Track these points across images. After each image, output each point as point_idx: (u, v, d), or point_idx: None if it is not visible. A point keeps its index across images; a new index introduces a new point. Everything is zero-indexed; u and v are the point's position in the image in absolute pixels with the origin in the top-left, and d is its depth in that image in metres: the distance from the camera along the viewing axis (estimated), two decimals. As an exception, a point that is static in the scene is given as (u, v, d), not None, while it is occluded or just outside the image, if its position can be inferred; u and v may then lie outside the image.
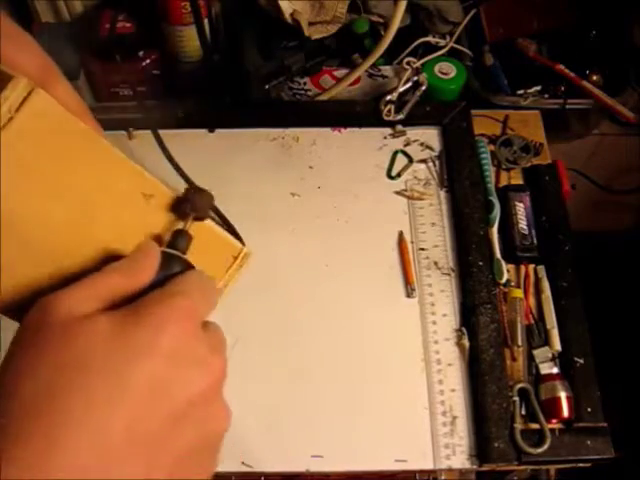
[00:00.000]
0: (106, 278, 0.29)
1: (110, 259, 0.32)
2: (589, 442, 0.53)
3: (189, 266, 0.33)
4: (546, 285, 0.60)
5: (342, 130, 0.72)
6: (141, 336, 0.27)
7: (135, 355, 0.26)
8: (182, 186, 0.64)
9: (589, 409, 0.54)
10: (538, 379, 0.56)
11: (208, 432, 0.30)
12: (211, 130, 0.71)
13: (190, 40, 0.72)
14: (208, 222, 0.37)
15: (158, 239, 0.35)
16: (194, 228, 0.36)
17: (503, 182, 0.68)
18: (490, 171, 0.67)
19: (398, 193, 0.67)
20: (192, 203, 0.35)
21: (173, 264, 0.33)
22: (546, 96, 0.77)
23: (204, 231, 0.37)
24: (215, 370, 0.31)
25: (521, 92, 0.76)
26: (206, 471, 0.30)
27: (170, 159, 0.65)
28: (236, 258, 0.39)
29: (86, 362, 0.25)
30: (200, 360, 0.29)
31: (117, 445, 0.24)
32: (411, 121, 0.71)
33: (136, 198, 0.34)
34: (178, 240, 0.34)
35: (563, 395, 0.54)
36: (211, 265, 0.38)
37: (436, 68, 0.74)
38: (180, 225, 0.35)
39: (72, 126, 0.30)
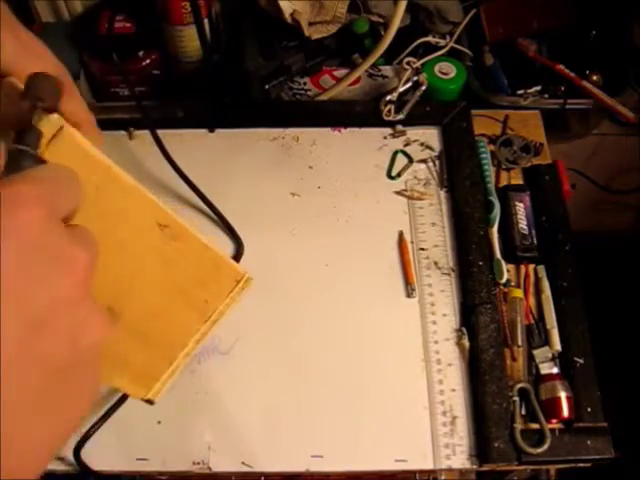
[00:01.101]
0: None
1: None
2: (589, 442, 0.53)
3: (41, 162, 0.30)
4: (546, 285, 0.60)
5: (342, 130, 0.72)
6: None
7: None
8: (182, 187, 0.65)
9: (589, 409, 0.54)
10: (538, 379, 0.56)
11: (78, 343, 0.25)
12: (211, 130, 0.71)
13: (190, 40, 0.72)
14: (214, 246, 0.38)
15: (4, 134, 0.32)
16: (197, 251, 0.37)
17: (503, 182, 0.68)
18: (490, 171, 0.67)
19: (398, 193, 0.67)
20: (36, 91, 0.32)
21: (22, 160, 0.30)
22: (546, 96, 0.77)
23: (210, 255, 0.38)
24: (77, 267, 0.25)
25: (521, 92, 0.76)
26: (85, 391, 0.26)
27: (169, 159, 0.65)
28: (238, 282, 0.40)
29: None
30: (56, 255, 0.24)
31: None
32: (411, 121, 0.71)
33: None
34: (25, 135, 0.31)
35: (563, 395, 0.54)
36: (214, 288, 0.38)
37: (436, 68, 0.74)
38: (31, 120, 0.32)
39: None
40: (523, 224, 0.63)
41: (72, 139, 0.29)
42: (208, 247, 0.37)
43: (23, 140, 0.30)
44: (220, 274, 0.39)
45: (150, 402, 0.36)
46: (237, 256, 0.62)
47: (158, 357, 0.36)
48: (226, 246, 0.63)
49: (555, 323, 0.58)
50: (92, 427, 0.53)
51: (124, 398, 0.54)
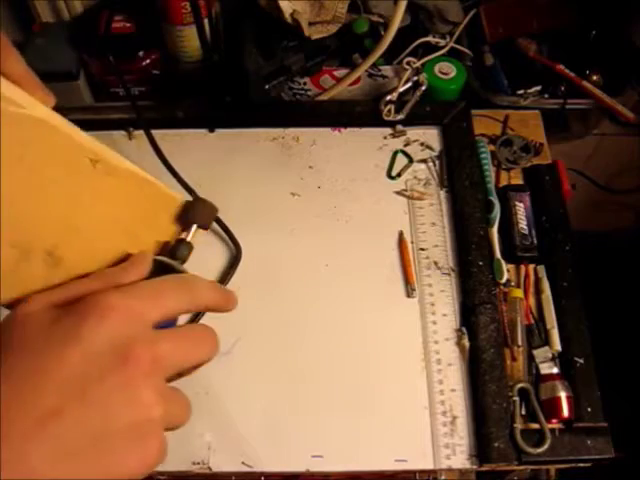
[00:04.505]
0: (85, 285, 0.31)
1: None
2: (589, 442, 0.53)
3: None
4: (546, 285, 0.60)
5: (342, 130, 0.72)
6: (64, 325, 0.28)
7: (57, 342, 0.27)
8: (181, 187, 0.65)
9: (589, 409, 0.54)
10: (538, 379, 0.56)
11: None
12: (211, 130, 0.71)
13: (190, 40, 0.72)
14: (155, 181, 0.37)
15: (165, 247, 0.36)
16: (136, 187, 0.36)
17: (503, 182, 0.68)
18: (490, 171, 0.67)
19: (398, 193, 0.67)
20: (195, 213, 0.36)
21: (167, 272, 0.34)
22: (546, 96, 0.77)
23: (151, 191, 0.37)
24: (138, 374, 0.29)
25: (521, 92, 0.76)
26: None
27: (164, 160, 0.65)
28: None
29: (21, 346, 0.28)
30: (120, 358, 0.28)
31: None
32: (411, 121, 0.71)
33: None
34: (178, 249, 0.35)
35: (563, 395, 0.54)
36: (160, 225, 0.38)
37: (436, 68, 0.74)
38: (183, 235, 0.37)
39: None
40: (523, 224, 0.63)
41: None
42: (148, 181, 0.36)
43: (175, 254, 0.35)
44: (165, 210, 0.38)
45: None
46: (235, 260, 0.61)
47: None
48: (223, 249, 0.63)
49: (555, 323, 0.58)
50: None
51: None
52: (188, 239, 0.37)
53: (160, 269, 0.34)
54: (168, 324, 0.32)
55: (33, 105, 0.30)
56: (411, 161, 0.69)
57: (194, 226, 0.37)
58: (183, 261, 0.36)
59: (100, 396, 0.27)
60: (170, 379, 0.31)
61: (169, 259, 0.35)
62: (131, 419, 0.28)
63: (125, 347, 0.28)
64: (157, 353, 0.29)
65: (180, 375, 0.33)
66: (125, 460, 0.27)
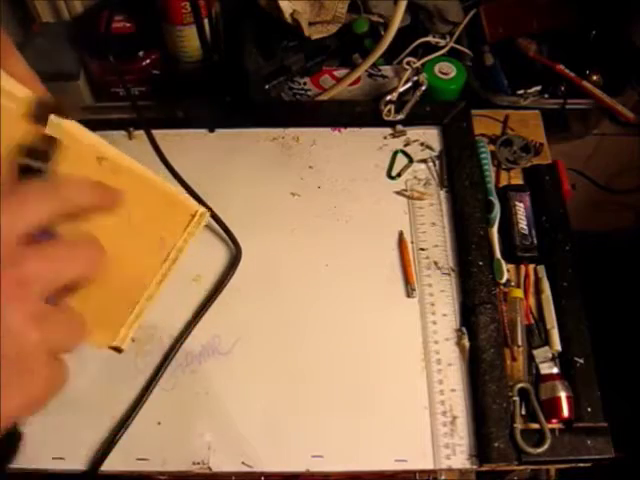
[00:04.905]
0: None
1: None
2: (589, 442, 0.53)
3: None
4: (546, 285, 0.60)
5: (342, 130, 0.72)
6: None
7: None
8: (181, 188, 0.65)
9: (589, 409, 0.54)
10: (538, 379, 0.56)
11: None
12: (211, 130, 0.71)
13: (190, 40, 0.72)
14: (162, 181, 0.36)
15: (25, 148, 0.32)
16: (143, 185, 0.35)
17: (503, 182, 0.68)
18: (490, 171, 0.67)
19: (398, 193, 0.67)
20: (46, 102, 0.32)
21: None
22: (546, 96, 0.77)
23: (158, 190, 0.36)
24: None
25: (521, 92, 0.76)
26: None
27: (164, 160, 0.65)
28: (193, 216, 0.39)
29: None
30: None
31: None
32: (411, 121, 0.71)
33: None
34: (37, 147, 0.31)
35: (563, 395, 0.54)
36: (168, 223, 0.38)
37: (436, 68, 0.74)
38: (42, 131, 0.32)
39: None
40: (523, 224, 0.63)
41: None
42: (154, 181, 0.36)
43: (35, 155, 0.30)
44: (172, 209, 0.38)
45: (118, 350, 0.34)
46: (235, 260, 0.61)
47: (119, 302, 0.35)
48: (223, 249, 0.63)
49: (555, 323, 0.58)
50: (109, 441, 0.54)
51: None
52: (50, 132, 0.32)
53: (24, 176, 0.30)
54: (44, 237, 0.29)
55: (27, 93, 0.30)
56: (411, 161, 0.69)
57: (51, 116, 0.32)
58: (47, 159, 0.31)
59: None
60: (54, 299, 0.29)
61: (29, 160, 0.30)
62: (3, 352, 0.25)
63: None
64: (23, 272, 0.26)
65: (68, 291, 0.30)
66: (6, 399, 0.25)
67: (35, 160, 0.30)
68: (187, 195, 0.39)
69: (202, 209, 0.39)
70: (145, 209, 0.36)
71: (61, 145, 0.32)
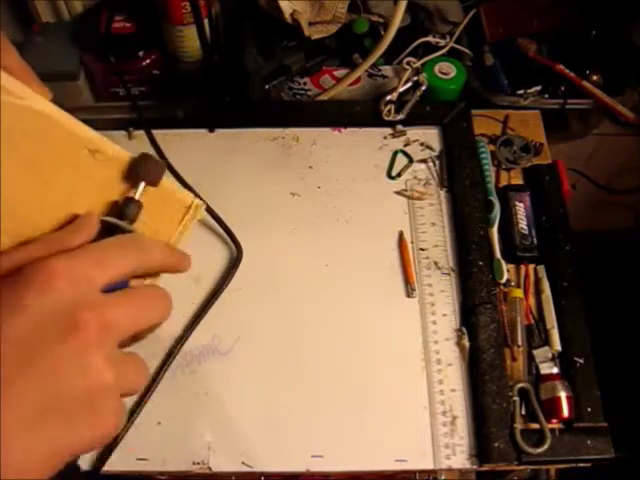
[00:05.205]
0: (29, 251, 0.29)
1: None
2: (589, 442, 0.53)
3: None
4: (546, 285, 0.60)
5: (342, 130, 0.72)
6: (8, 295, 0.27)
7: (1, 314, 0.26)
8: (181, 187, 0.65)
9: (589, 409, 0.54)
10: (538, 379, 0.56)
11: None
12: (211, 130, 0.71)
13: (190, 40, 0.72)
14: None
15: (114, 207, 0.35)
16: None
17: (503, 182, 0.68)
18: (490, 171, 0.67)
19: (398, 193, 0.67)
20: (144, 170, 0.35)
21: (115, 233, 0.33)
22: (546, 96, 0.77)
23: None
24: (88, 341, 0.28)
25: (521, 92, 0.76)
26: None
27: (164, 160, 0.65)
28: (189, 209, 0.39)
29: None
30: (68, 327, 0.27)
31: None
32: (411, 121, 0.71)
33: (82, 155, 0.33)
34: (126, 208, 0.34)
35: (563, 395, 0.54)
36: (163, 216, 0.38)
37: (436, 68, 0.74)
38: (131, 193, 0.35)
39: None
40: (523, 224, 0.63)
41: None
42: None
43: (124, 214, 0.34)
44: (167, 201, 0.38)
45: None
46: (236, 260, 0.61)
47: None
48: (224, 249, 0.63)
49: (555, 323, 0.58)
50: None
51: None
52: (136, 197, 0.35)
53: (108, 231, 0.33)
54: (119, 286, 0.31)
55: (32, 96, 0.30)
56: (411, 161, 0.69)
57: (142, 183, 0.35)
58: (132, 220, 0.34)
59: (49, 367, 0.26)
60: (124, 344, 0.31)
61: (116, 219, 0.33)
62: (82, 388, 0.27)
63: (72, 314, 0.27)
64: (106, 318, 0.28)
65: (135, 339, 0.32)
66: (78, 430, 0.27)
67: (123, 220, 0.34)
68: (182, 187, 0.39)
69: (197, 201, 0.40)
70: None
71: (142, 207, 0.34)
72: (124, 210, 0.34)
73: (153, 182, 0.36)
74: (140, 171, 0.35)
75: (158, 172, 0.36)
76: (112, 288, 0.30)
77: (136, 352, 0.31)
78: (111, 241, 0.32)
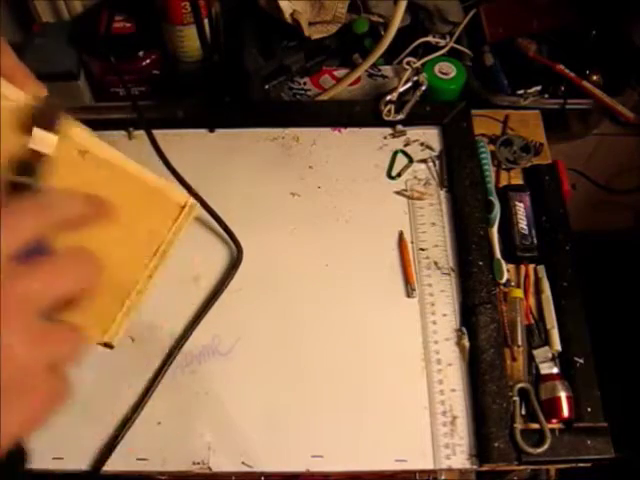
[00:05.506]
0: None
1: None
2: (589, 442, 0.53)
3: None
4: (546, 285, 0.60)
5: (342, 130, 0.72)
6: None
7: None
8: (181, 188, 0.65)
9: (589, 409, 0.54)
10: (538, 379, 0.56)
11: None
12: (211, 130, 0.71)
13: (190, 40, 0.72)
14: (148, 172, 0.36)
15: (15, 164, 0.31)
16: (127, 179, 0.34)
17: (503, 182, 0.68)
18: (490, 171, 0.67)
19: (398, 193, 0.67)
20: (37, 113, 0.31)
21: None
22: (546, 96, 0.77)
23: (143, 182, 0.36)
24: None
25: (521, 92, 0.76)
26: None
27: (164, 160, 0.65)
28: (183, 208, 0.38)
29: None
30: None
31: None
32: (411, 121, 0.71)
33: None
34: (26, 163, 0.30)
35: (563, 395, 0.54)
36: (156, 216, 0.37)
37: (436, 68, 0.74)
38: (30, 145, 0.31)
39: None
40: (523, 224, 0.63)
41: None
42: (139, 172, 0.35)
43: (25, 170, 0.30)
44: (160, 201, 0.37)
45: (109, 346, 0.34)
46: (236, 260, 0.61)
47: (108, 298, 0.34)
48: (224, 249, 0.63)
49: (555, 323, 0.58)
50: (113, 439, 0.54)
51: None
52: (35, 147, 0.31)
53: (18, 192, 0.30)
54: (38, 250, 0.28)
55: (18, 96, 0.30)
56: (411, 161, 0.69)
57: (35, 129, 0.30)
58: (35, 174, 0.30)
59: None
60: (51, 313, 0.28)
61: (19, 177, 0.30)
62: (2, 372, 0.25)
63: None
64: (17, 292, 0.26)
65: (71, 305, 0.30)
66: (6, 418, 0.25)
67: (24, 176, 0.30)
68: (176, 186, 0.38)
69: (192, 200, 0.39)
70: (132, 202, 0.35)
71: (49, 158, 0.31)
72: (26, 165, 0.30)
73: (48, 127, 0.31)
74: (33, 115, 0.30)
75: (51, 114, 0.31)
76: (33, 252, 0.28)
77: (66, 319, 0.29)
78: (14, 203, 0.28)
